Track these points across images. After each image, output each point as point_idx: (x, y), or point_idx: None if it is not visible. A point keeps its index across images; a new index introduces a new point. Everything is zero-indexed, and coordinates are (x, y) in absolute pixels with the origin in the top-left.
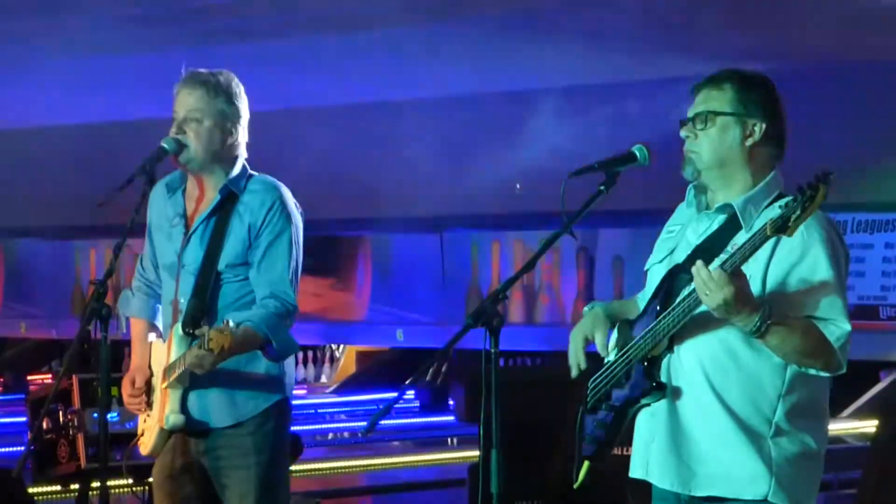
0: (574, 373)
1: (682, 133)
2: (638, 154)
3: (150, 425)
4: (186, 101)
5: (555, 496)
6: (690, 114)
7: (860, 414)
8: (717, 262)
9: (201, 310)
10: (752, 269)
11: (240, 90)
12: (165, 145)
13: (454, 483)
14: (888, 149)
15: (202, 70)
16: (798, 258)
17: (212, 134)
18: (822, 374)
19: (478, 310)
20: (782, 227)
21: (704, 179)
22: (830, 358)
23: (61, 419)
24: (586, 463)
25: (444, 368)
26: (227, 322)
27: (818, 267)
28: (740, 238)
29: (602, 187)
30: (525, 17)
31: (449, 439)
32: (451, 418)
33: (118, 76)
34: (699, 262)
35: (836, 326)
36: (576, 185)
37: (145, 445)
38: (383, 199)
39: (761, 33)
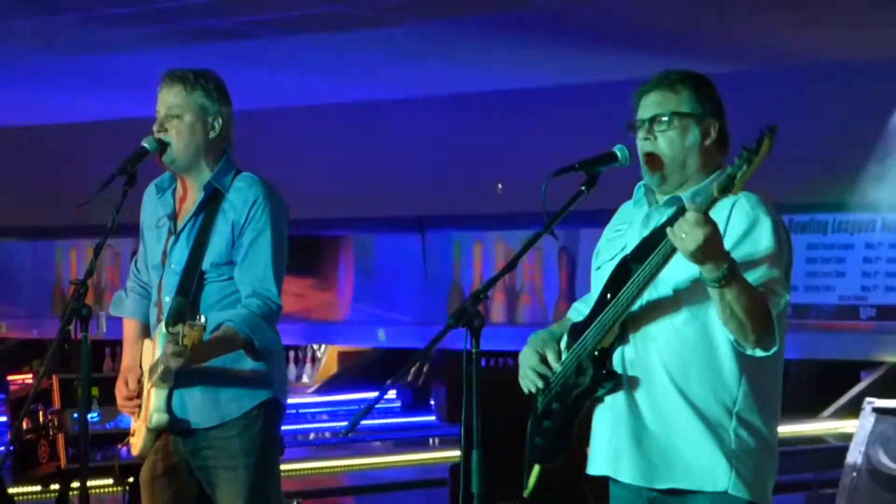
0: (532, 389)
1: (640, 135)
2: (619, 154)
3: (139, 425)
4: (166, 99)
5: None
6: (646, 115)
7: (841, 414)
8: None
9: (184, 308)
10: None
11: (220, 85)
12: (146, 145)
13: (435, 483)
14: (868, 150)
15: (185, 69)
16: (745, 232)
17: (193, 129)
18: (757, 352)
19: (459, 310)
20: (728, 185)
21: (670, 183)
22: (768, 330)
23: (41, 419)
24: (537, 467)
25: (425, 369)
26: (200, 317)
27: (762, 239)
28: None
29: (583, 187)
30: (508, 17)
31: (430, 439)
32: (432, 418)
33: (100, 76)
34: (669, 227)
35: (777, 296)
36: (557, 186)
37: (135, 446)
38: (365, 199)
39: (736, 35)
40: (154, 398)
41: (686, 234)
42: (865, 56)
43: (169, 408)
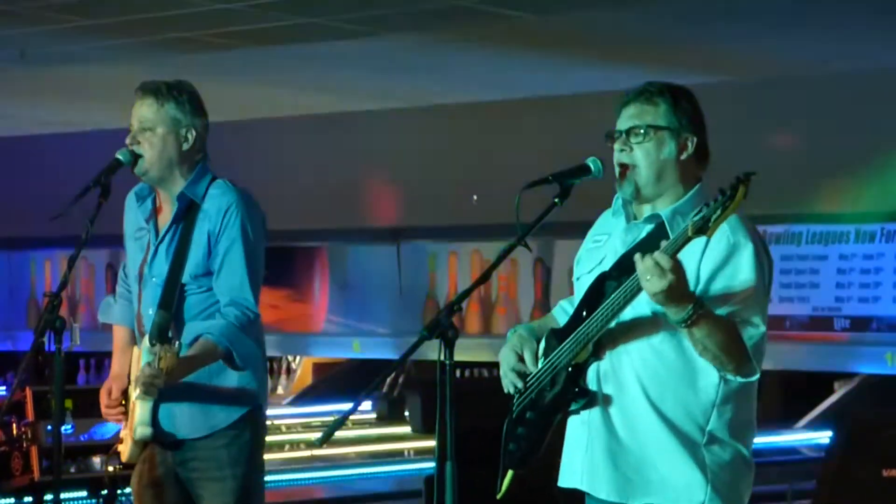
0: (511, 390)
1: (617, 146)
2: (592, 166)
3: (126, 434)
4: (139, 112)
5: None
6: (623, 126)
7: (815, 425)
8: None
9: (168, 322)
10: (687, 266)
11: (195, 96)
12: (120, 157)
13: (410, 494)
14: (842, 161)
15: (157, 81)
16: (724, 260)
17: (165, 141)
18: (738, 378)
19: (433, 322)
20: (702, 227)
21: (644, 195)
22: (745, 360)
23: (15, 431)
24: (510, 472)
25: (400, 380)
26: (175, 342)
27: (741, 269)
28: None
29: (556, 199)
30: (483, 29)
31: (405, 450)
32: (407, 429)
33: (74, 86)
34: (638, 255)
35: (754, 328)
36: (533, 197)
37: (123, 453)
38: (340, 211)
39: (711, 47)
40: (139, 410)
41: (650, 277)
42: (838, 68)
43: (155, 420)
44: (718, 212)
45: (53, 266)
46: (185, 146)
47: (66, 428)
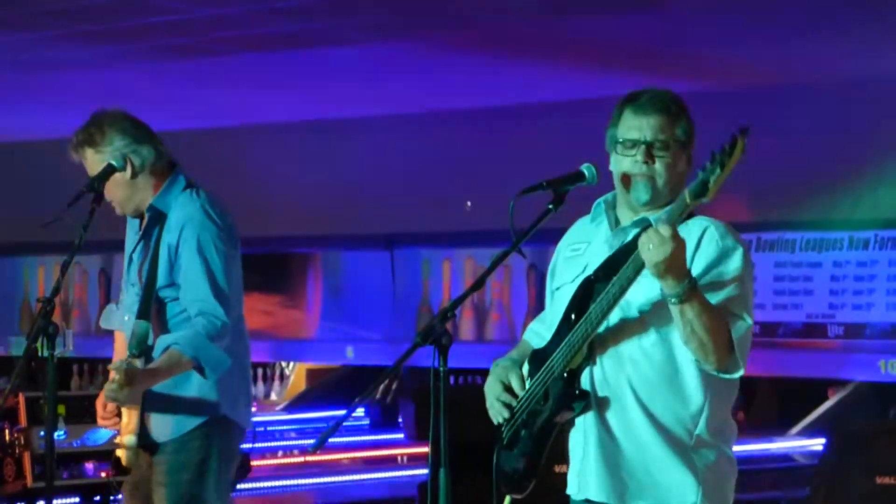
0: (500, 420)
1: (635, 155)
2: (586, 173)
3: (121, 440)
4: (87, 166)
5: None
6: (647, 138)
7: (808, 432)
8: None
9: (146, 332)
10: None
11: (116, 123)
12: (113, 162)
13: (404, 501)
14: (836, 168)
15: (77, 132)
16: (715, 260)
17: (118, 182)
18: (721, 375)
19: (426, 328)
20: (701, 191)
21: (654, 205)
22: (728, 352)
23: (7, 437)
24: (507, 498)
25: (394, 386)
26: (132, 360)
27: (731, 267)
28: None
29: (550, 206)
30: (478, 35)
31: (399, 457)
32: (401, 436)
33: (63, 93)
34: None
35: (742, 321)
36: (527, 204)
37: (122, 458)
38: (333, 217)
39: (702, 54)
40: (125, 418)
41: (653, 246)
42: (834, 76)
43: (143, 425)
44: (717, 170)
45: (47, 271)
46: (138, 163)
47: (58, 434)
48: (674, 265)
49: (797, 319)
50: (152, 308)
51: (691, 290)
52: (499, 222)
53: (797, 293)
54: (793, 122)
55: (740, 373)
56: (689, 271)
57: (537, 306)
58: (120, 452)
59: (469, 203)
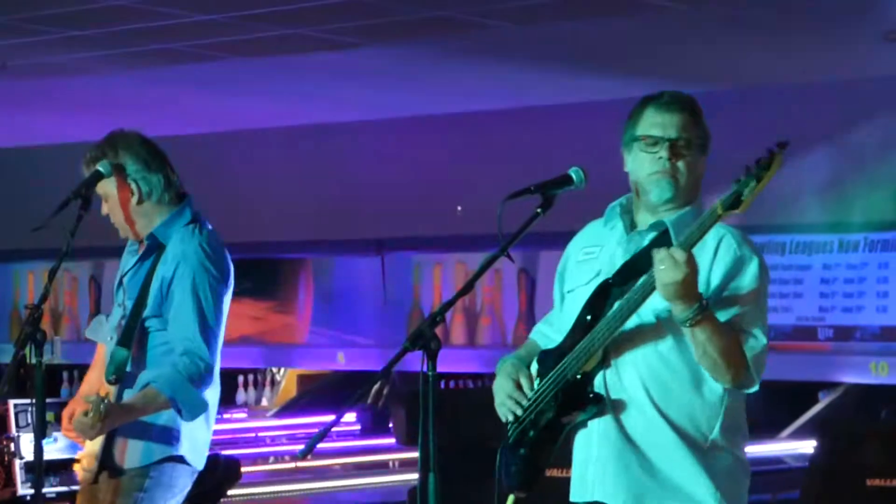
0: (510, 418)
1: (658, 151)
2: (574, 176)
3: (83, 455)
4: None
5: None
6: (672, 135)
7: (799, 435)
8: (645, 277)
9: (125, 360)
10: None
11: (128, 144)
12: (101, 168)
13: None
14: (827, 171)
15: (92, 149)
16: (732, 270)
17: (115, 206)
18: (735, 389)
19: (415, 333)
20: (734, 203)
21: (675, 204)
22: (743, 370)
23: None
24: (511, 497)
25: (384, 391)
26: (107, 399)
27: (747, 280)
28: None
29: (539, 210)
30: (467, 40)
31: (390, 462)
32: (391, 441)
33: (58, 98)
34: (655, 249)
35: (755, 339)
36: (517, 208)
37: (78, 474)
38: (324, 222)
39: (699, 57)
40: (88, 442)
41: (665, 268)
42: (817, 78)
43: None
44: (753, 183)
45: (36, 278)
46: (139, 198)
47: (48, 441)
48: (684, 290)
49: (787, 322)
50: (135, 335)
51: (702, 314)
52: (490, 227)
53: (787, 296)
54: (783, 125)
55: (755, 388)
56: (700, 295)
57: (528, 310)
58: (77, 467)
59: (460, 208)
